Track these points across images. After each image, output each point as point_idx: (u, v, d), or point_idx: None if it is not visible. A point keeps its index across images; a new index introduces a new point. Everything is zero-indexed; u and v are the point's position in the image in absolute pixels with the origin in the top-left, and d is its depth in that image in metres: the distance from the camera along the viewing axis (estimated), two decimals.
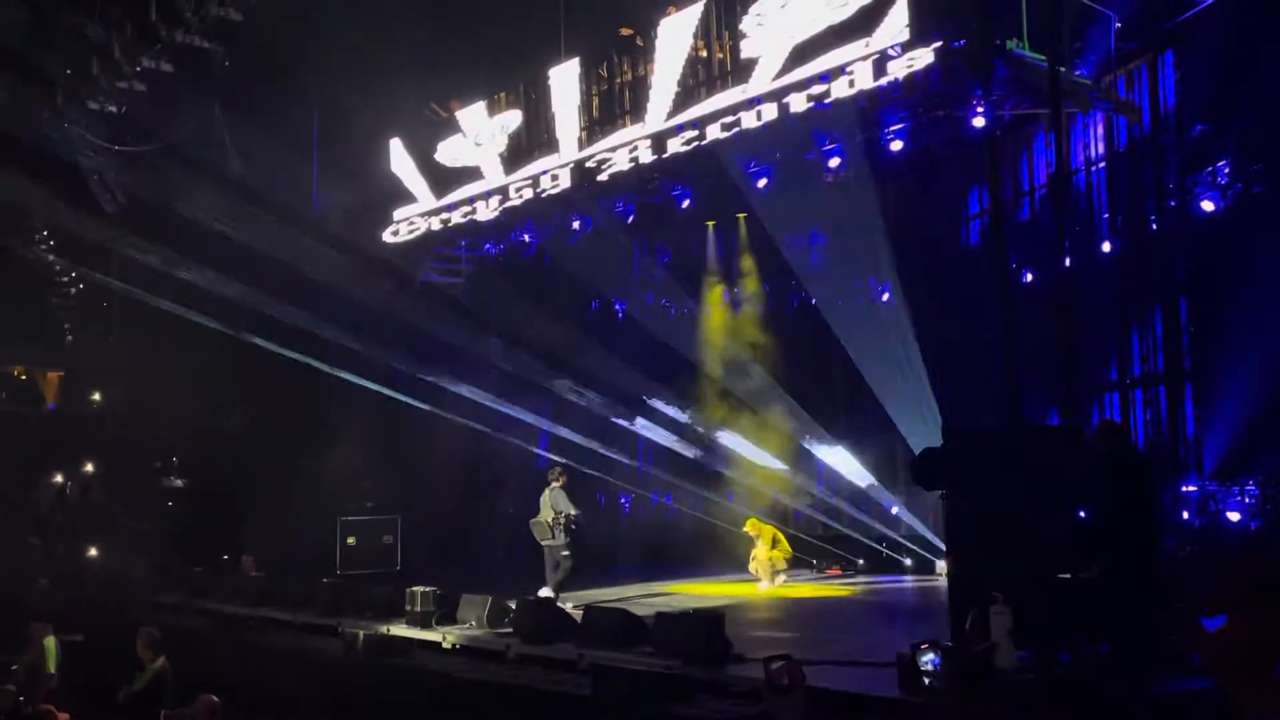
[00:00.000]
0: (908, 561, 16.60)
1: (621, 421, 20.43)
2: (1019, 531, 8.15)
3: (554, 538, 13.18)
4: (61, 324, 27.30)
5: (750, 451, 18.46)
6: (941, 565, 15.18)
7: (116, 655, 10.71)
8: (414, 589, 12.32)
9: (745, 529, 15.63)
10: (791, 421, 17.92)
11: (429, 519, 18.66)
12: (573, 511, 13.14)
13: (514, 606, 11.29)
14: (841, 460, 18.08)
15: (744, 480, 19.24)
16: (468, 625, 11.61)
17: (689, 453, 20.12)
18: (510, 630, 11.06)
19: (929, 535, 16.44)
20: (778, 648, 9.80)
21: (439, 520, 18.57)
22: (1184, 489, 12.39)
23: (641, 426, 20.68)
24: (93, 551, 18.21)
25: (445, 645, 11.27)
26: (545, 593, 13.00)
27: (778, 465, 18.41)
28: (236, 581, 15.85)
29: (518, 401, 21.08)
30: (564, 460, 15.31)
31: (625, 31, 16.13)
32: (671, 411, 19.81)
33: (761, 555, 15.27)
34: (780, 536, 15.58)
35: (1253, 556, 9.17)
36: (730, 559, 16.10)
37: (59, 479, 22.75)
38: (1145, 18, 12.80)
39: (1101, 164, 13.93)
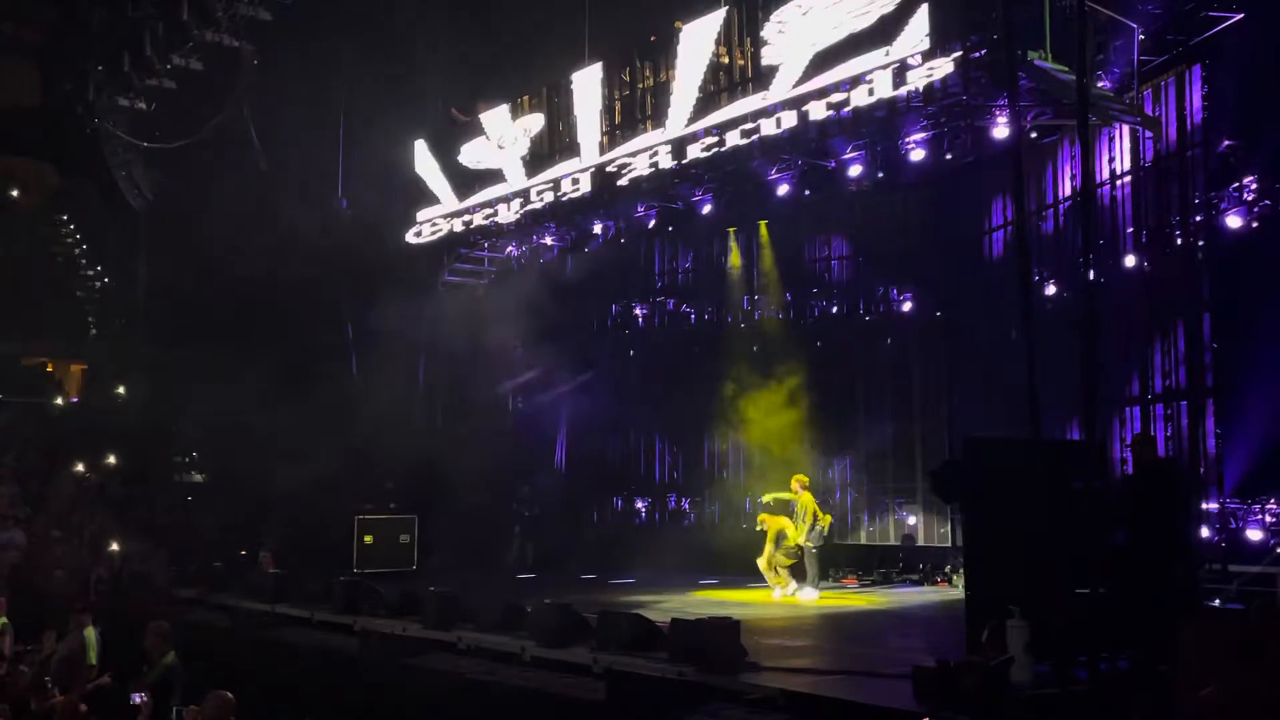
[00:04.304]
0: (925, 572, 16.51)
1: (640, 425, 20.45)
2: (1036, 544, 8.12)
3: (806, 540, 14.63)
4: (85, 318, 27.61)
5: (767, 458, 18.41)
6: (959, 577, 15.13)
7: (131, 648, 10.75)
8: (430, 589, 12.36)
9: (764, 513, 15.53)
10: (810, 429, 17.87)
11: (448, 519, 18.69)
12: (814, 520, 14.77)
13: (529, 609, 11.30)
14: (860, 468, 18.03)
15: (761, 487, 19.21)
16: (482, 627, 11.63)
17: (706, 459, 20.11)
18: (525, 632, 11.08)
19: (947, 546, 16.37)
20: (793, 657, 9.82)
21: (458, 521, 18.59)
22: (1204, 506, 12.30)
23: (659, 431, 20.69)
24: (112, 545, 18.32)
25: (460, 646, 11.30)
26: (802, 591, 14.46)
27: (795, 472, 18.35)
28: (254, 577, 15.92)
29: (539, 403, 21.14)
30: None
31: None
32: (689, 417, 19.80)
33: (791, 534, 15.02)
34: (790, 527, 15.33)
35: (1232, 619, 9.03)
36: (746, 566, 16.04)
37: (80, 471, 22.91)
38: (1173, 32, 12.72)
39: (1127, 178, 13.85)
